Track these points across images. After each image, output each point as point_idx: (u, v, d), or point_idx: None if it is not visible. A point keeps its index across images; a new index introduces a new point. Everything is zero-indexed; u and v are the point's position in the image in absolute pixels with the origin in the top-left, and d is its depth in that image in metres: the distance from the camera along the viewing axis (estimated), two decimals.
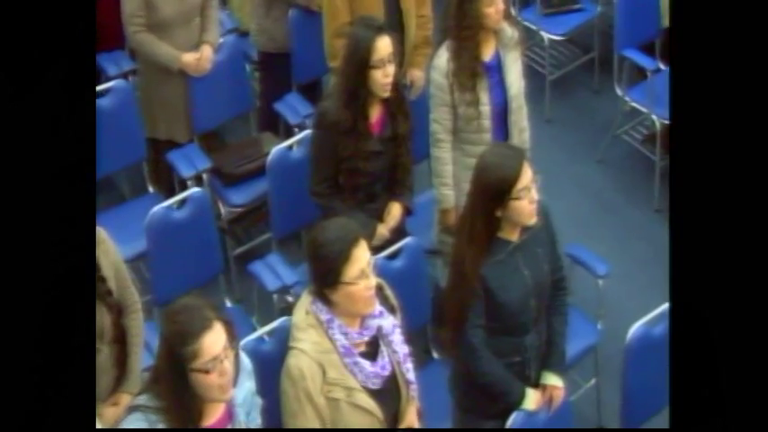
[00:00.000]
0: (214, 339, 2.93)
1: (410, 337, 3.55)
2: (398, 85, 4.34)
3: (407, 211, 4.56)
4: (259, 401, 3.27)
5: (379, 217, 4.40)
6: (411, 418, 3.47)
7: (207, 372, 2.91)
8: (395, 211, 4.46)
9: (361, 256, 3.26)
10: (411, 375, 3.45)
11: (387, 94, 4.23)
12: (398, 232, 4.50)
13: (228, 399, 3.07)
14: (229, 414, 3.12)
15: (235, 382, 3.04)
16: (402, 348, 3.43)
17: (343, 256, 3.24)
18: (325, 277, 3.28)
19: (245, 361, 3.21)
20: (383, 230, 4.38)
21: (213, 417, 3.06)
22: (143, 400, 2.98)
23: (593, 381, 4.61)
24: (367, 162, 4.30)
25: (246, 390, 3.17)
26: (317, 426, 3.29)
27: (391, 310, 3.47)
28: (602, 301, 4.51)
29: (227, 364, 2.95)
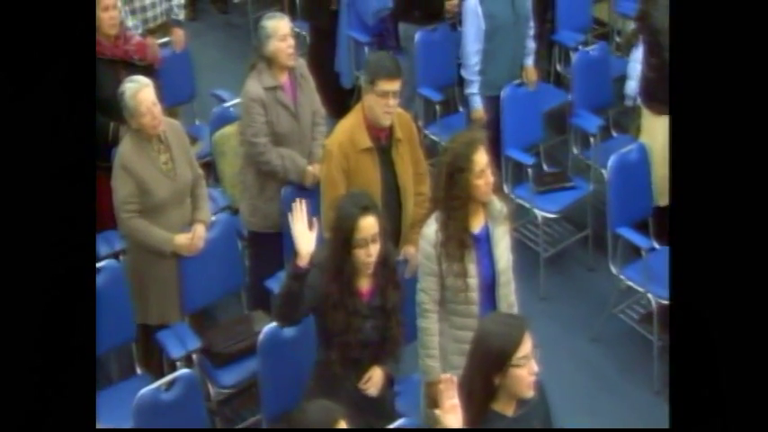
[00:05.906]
0: None
1: None
2: (389, 260, 4.33)
3: (390, 380, 4.49)
4: None
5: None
6: None
7: None
8: (375, 376, 4.37)
9: None
10: None
11: (370, 272, 4.23)
12: (382, 401, 4.42)
13: None
14: None
15: None
16: None
17: None
18: None
19: None
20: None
21: None
22: None
23: None
24: (357, 333, 4.26)
25: None
26: None
27: None
28: None
29: None
